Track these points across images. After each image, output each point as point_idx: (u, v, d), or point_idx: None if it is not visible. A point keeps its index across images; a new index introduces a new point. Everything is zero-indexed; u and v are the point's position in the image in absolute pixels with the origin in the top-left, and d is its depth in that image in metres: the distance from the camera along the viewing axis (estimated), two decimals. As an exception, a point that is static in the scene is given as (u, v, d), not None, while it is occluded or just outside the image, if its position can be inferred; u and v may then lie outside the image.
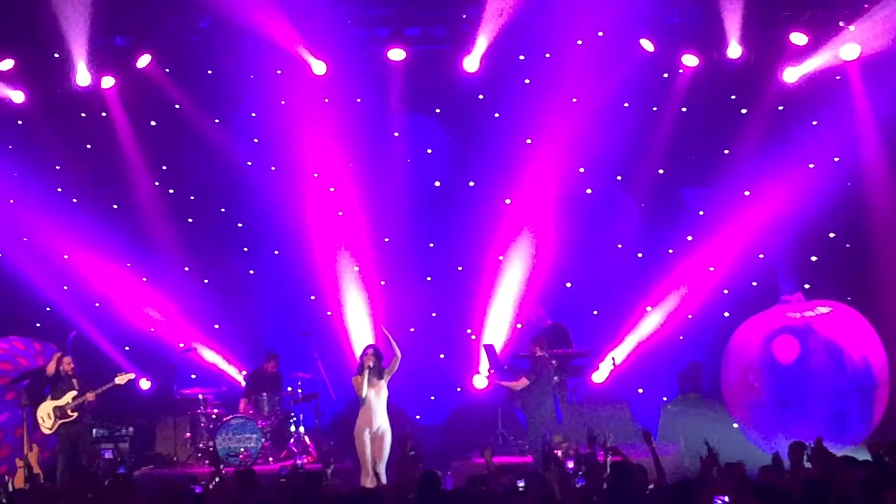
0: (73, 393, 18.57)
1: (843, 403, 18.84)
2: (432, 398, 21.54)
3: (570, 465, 12.92)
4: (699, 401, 20.62)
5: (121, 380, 18.88)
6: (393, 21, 21.49)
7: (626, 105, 21.37)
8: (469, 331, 21.93)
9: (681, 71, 21.18)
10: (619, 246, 21.78)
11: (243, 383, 20.97)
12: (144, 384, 19.95)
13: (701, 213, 21.53)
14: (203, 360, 21.75)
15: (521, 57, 21.58)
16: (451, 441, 20.84)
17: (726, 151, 21.23)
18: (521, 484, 11.14)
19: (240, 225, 22.41)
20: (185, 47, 21.70)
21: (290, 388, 20.07)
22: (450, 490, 12.40)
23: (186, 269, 22.27)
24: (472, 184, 22.09)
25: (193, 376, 21.38)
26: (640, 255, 21.73)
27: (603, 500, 10.44)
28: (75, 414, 18.46)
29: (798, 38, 20.24)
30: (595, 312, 21.32)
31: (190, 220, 22.38)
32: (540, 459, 12.89)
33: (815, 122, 20.64)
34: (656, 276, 21.38)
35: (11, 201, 21.74)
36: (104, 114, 21.90)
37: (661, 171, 21.61)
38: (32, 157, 21.71)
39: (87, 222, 21.85)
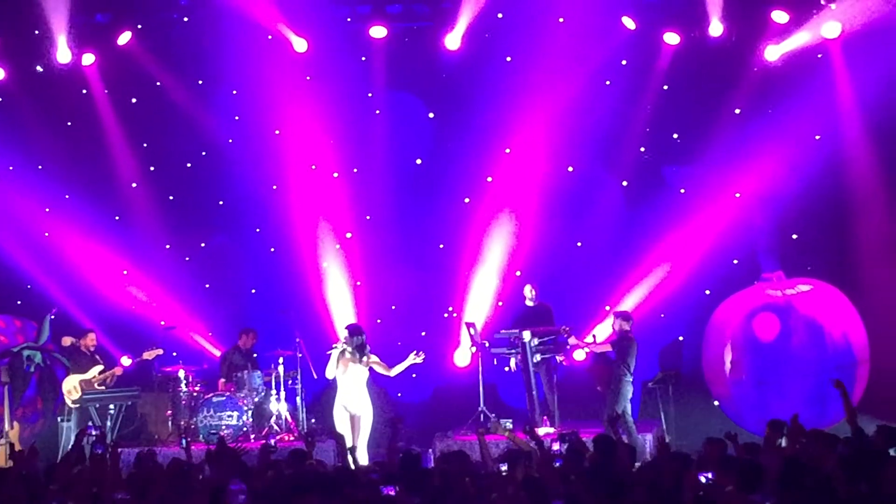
0: (100, 367, 18.87)
1: (823, 381, 18.90)
2: (414, 375, 21.47)
3: (556, 447, 12.90)
4: (680, 378, 20.65)
5: (149, 355, 19.13)
6: (374, -2, 21.53)
7: (608, 83, 21.38)
8: (450, 309, 21.96)
9: (662, 49, 21.15)
10: (612, 226, 21.72)
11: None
12: (125, 361, 19.94)
13: (682, 190, 21.53)
14: (185, 337, 21.73)
15: (503, 35, 21.54)
16: (434, 418, 20.85)
17: (708, 129, 21.19)
18: (503, 467, 11.12)
19: (221, 203, 22.37)
20: (166, 24, 21.69)
21: (272, 366, 20.02)
22: (430, 468, 12.38)
23: (168, 246, 22.25)
24: (453, 162, 22.07)
25: (175, 354, 21.33)
26: (621, 233, 21.66)
27: (582, 479, 10.45)
28: (102, 387, 18.77)
29: (779, 16, 20.22)
30: (576, 290, 21.28)
31: (171, 197, 22.33)
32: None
33: (796, 101, 20.61)
34: (638, 254, 21.38)
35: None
36: (85, 91, 21.86)
37: (642, 149, 21.58)
38: (12, 134, 21.63)
39: (68, 199, 21.84)
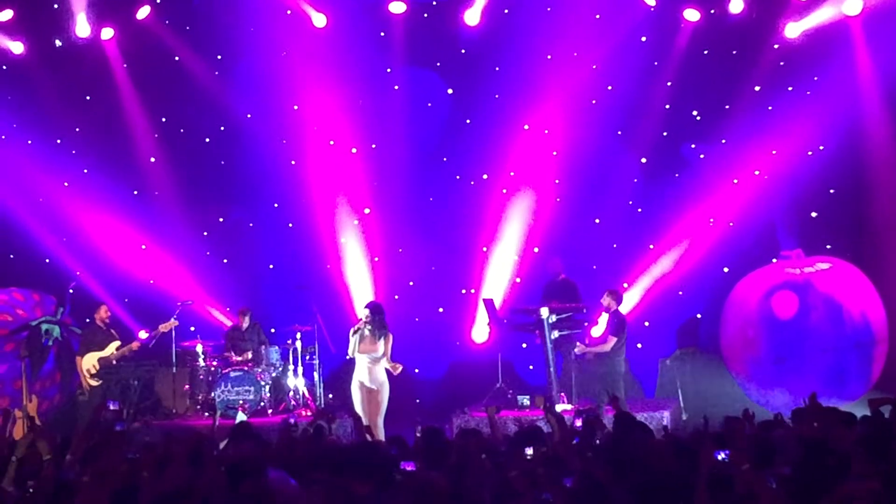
0: (117, 343, 18.77)
1: (841, 359, 18.89)
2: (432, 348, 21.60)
3: (578, 423, 12.89)
4: (697, 356, 20.67)
5: (164, 327, 19.12)
6: (394, -26, 21.49)
7: (628, 60, 21.30)
8: (472, 290, 21.91)
9: (682, 25, 21.09)
10: (630, 203, 21.69)
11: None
12: (143, 336, 19.96)
13: (701, 156, 21.39)
14: (202, 312, 21.76)
15: (523, 10, 21.49)
16: (451, 395, 20.85)
17: (727, 106, 21.14)
18: (529, 451, 11.07)
19: (239, 178, 22.35)
20: (186, -1, 21.72)
21: (289, 341, 20.06)
22: (450, 442, 12.36)
23: (186, 221, 22.24)
24: (471, 137, 22.05)
25: (192, 328, 21.38)
26: (639, 209, 21.67)
27: (599, 456, 10.45)
28: (119, 363, 18.75)
29: (800, -7, 20.20)
30: (594, 267, 21.28)
31: (189, 172, 22.33)
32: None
33: (816, 78, 20.54)
34: (656, 230, 21.35)
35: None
36: (103, 65, 21.86)
37: (661, 128, 21.49)
38: (32, 108, 21.69)
39: (86, 174, 21.88)
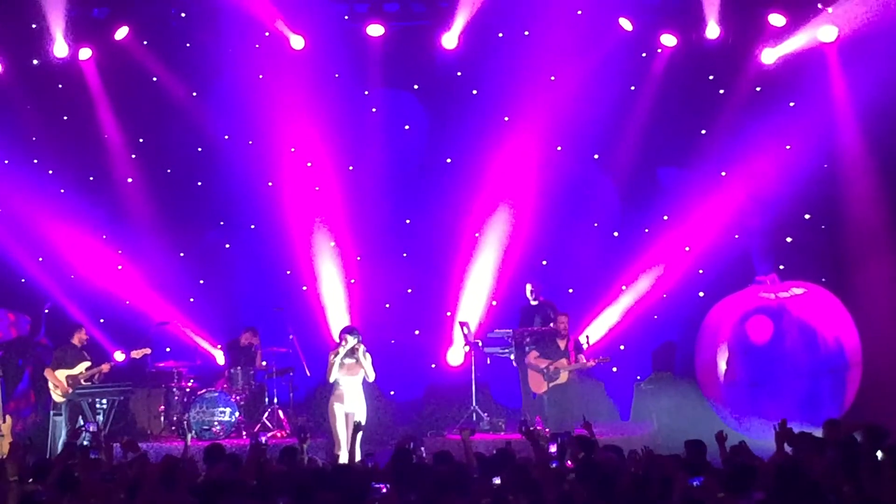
0: (87, 363, 18.74)
1: (815, 384, 18.96)
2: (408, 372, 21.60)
3: (553, 448, 12.92)
4: (672, 380, 20.71)
5: (137, 354, 19.08)
6: (372, -4, 21.53)
7: (605, 84, 21.35)
8: (449, 313, 21.90)
9: (659, 51, 21.20)
10: (596, 224, 21.80)
11: (220, 357, 20.98)
12: (119, 356, 19.91)
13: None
14: (178, 333, 21.70)
15: (500, 34, 21.57)
16: (426, 417, 20.90)
17: (703, 132, 21.24)
18: (496, 481, 11.04)
19: (216, 199, 22.29)
20: (164, 20, 21.69)
21: (264, 363, 20.04)
22: (424, 465, 12.35)
23: (162, 242, 22.19)
24: (449, 160, 22.09)
25: (168, 349, 21.35)
26: (616, 234, 21.74)
27: (577, 480, 10.46)
28: (88, 383, 18.64)
29: (776, 20, 20.27)
30: (570, 291, 21.34)
31: (166, 193, 22.28)
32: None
33: (792, 104, 20.66)
34: (632, 255, 21.40)
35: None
36: (81, 85, 21.79)
37: (638, 152, 21.53)
38: (9, 128, 21.58)
39: (63, 194, 21.80)
